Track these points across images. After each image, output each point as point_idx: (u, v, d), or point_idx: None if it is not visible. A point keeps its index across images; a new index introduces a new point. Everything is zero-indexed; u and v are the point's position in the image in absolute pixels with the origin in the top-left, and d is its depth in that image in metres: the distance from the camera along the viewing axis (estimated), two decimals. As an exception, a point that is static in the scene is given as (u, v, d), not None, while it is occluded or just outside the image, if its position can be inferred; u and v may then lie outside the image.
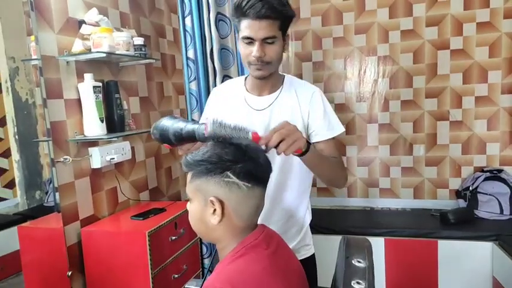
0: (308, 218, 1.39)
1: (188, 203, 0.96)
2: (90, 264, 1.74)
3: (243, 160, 0.86)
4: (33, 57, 1.67)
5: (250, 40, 1.13)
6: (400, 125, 2.88)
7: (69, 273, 1.67)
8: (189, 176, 0.92)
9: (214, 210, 0.86)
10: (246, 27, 1.12)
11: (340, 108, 2.97)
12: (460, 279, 2.42)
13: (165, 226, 1.76)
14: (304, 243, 1.38)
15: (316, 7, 2.93)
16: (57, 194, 1.67)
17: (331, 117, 1.27)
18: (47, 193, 1.86)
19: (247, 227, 0.91)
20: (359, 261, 0.96)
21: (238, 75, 1.99)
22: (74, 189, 1.73)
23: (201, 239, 2.13)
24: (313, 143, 1.23)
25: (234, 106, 1.30)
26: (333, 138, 1.26)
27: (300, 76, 3.02)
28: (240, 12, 1.12)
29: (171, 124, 1.05)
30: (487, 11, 2.64)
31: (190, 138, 1.01)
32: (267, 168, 0.91)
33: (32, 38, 1.65)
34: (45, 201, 1.86)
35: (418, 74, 2.81)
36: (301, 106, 1.26)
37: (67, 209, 1.70)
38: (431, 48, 2.76)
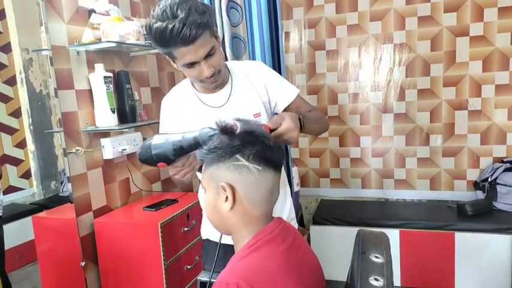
0: (292, 215, 1.39)
1: (202, 192, 0.94)
2: (103, 255, 1.74)
3: (253, 143, 0.84)
4: (44, 47, 1.66)
5: (192, 64, 1.10)
6: (416, 115, 2.80)
7: (83, 263, 1.68)
8: (203, 166, 0.90)
9: (226, 197, 0.84)
10: (183, 54, 1.07)
11: (354, 98, 2.91)
12: (477, 272, 2.37)
13: (177, 217, 1.75)
14: None
15: (330, -7, 2.85)
16: (69, 184, 1.67)
17: (283, 80, 1.35)
18: (62, 183, 1.87)
19: (262, 216, 0.89)
20: (376, 257, 0.92)
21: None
22: (86, 180, 1.73)
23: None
24: (287, 106, 1.29)
25: (190, 109, 1.27)
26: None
27: (314, 65, 2.96)
28: (168, 43, 1.05)
29: (164, 140, 1.02)
30: (509, -4, 2.53)
31: (191, 147, 0.99)
32: (279, 152, 0.89)
33: (43, 28, 1.64)
34: (61, 191, 1.87)
35: (435, 62, 2.72)
36: (255, 86, 1.27)
37: (80, 199, 1.70)
38: (449, 35, 2.67)
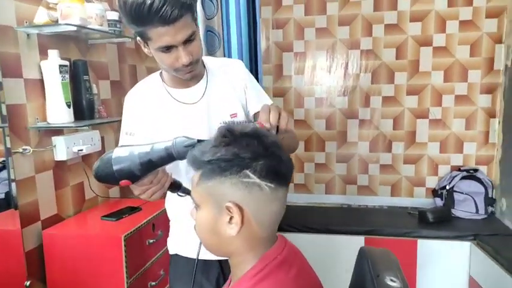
0: None
1: (193, 210, 0.78)
2: (52, 272, 1.50)
3: (264, 156, 0.70)
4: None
5: (169, 48, 0.98)
6: (380, 122, 2.82)
7: (28, 282, 1.42)
8: (195, 176, 0.75)
9: (231, 218, 0.70)
10: (160, 35, 0.95)
11: (320, 102, 2.87)
12: (437, 279, 2.41)
13: (142, 228, 1.56)
14: None
15: (300, -5, 2.79)
16: (13, 187, 1.41)
17: (260, 87, 1.28)
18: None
19: (268, 237, 0.76)
20: (392, 280, 0.84)
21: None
22: (34, 185, 1.49)
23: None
24: (258, 111, 1.16)
25: (159, 106, 1.13)
26: None
27: (281, 67, 2.88)
28: (145, 20, 0.92)
29: (128, 153, 0.87)
30: (469, 9, 2.62)
31: (162, 160, 0.86)
32: (290, 165, 0.77)
33: (-17, 3, 1.37)
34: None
35: (400, 70, 2.76)
36: (233, 84, 1.18)
37: (26, 208, 1.45)
38: (414, 44, 2.72)
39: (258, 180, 0.69)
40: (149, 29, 0.94)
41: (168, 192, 1.02)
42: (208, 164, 0.71)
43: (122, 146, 0.95)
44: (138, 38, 1.02)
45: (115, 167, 0.87)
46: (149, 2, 0.89)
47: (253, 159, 0.69)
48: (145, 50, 1.04)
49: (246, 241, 0.73)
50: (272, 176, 0.71)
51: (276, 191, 0.72)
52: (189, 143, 0.85)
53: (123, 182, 0.89)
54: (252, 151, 0.70)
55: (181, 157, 0.86)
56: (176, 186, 0.99)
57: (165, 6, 0.90)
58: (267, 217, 0.73)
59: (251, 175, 0.69)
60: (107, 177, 0.89)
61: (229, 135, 0.72)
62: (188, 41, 0.98)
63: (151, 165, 0.88)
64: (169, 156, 0.87)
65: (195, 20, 1.01)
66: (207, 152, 0.72)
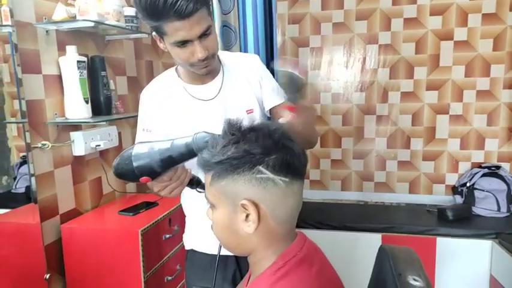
0: None
1: (208, 210, 0.77)
2: (71, 265, 1.52)
3: (276, 150, 0.69)
4: (4, 23, 1.41)
5: (185, 42, 0.97)
6: (398, 118, 2.77)
7: (47, 275, 1.45)
8: (207, 177, 0.73)
9: (247, 215, 0.69)
10: (176, 30, 0.94)
11: (337, 98, 2.83)
12: (457, 278, 2.36)
13: (158, 223, 1.57)
14: None
15: (316, -11, 2.75)
16: (33, 182, 1.43)
17: (276, 83, 1.24)
18: (15, 179, 1.64)
19: (286, 233, 0.75)
20: (415, 280, 0.81)
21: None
22: (53, 180, 1.51)
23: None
24: (274, 106, 1.19)
25: (175, 102, 1.12)
26: None
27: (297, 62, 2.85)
28: (160, 14, 0.92)
29: (148, 149, 0.86)
30: (493, 2, 2.54)
31: (182, 156, 0.85)
32: (304, 158, 0.74)
33: (3, 0, 1.39)
34: (13, 187, 1.63)
35: (419, 65, 2.70)
36: (249, 80, 1.17)
37: (45, 202, 1.47)
38: (434, 39, 2.65)
39: (271, 175, 0.68)
40: (164, 24, 0.93)
41: (185, 188, 1.01)
42: (219, 165, 0.70)
43: (141, 142, 0.94)
44: (153, 33, 1.02)
45: (135, 164, 0.87)
46: None
47: (265, 155, 0.68)
48: (161, 45, 1.04)
49: (264, 238, 0.72)
50: (286, 169, 0.69)
51: (291, 185, 0.70)
52: (209, 137, 0.84)
53: (143, 179, 0.89)
54: (263, 146, 0.68)
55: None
56: (195, 182, 0.98)
57: (180, 0, 0.89)
58: (283, 212, 0.72)
59: (264, 170, 0.68)
60: (127, 173, 0.89)
61: (237, 132, 0.70)
62: (204, 35, 0.97)
63: (171, 161, 0.87)
64: (190, 152, 0.86)
65: (210, 14, 1.00)
66: (217, 153, 0.70)
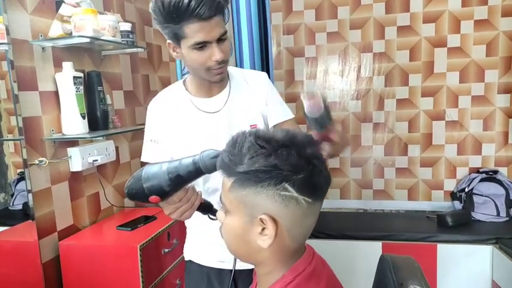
0: None
1: (221, 212, 0.76)
2: (69, 283, 1.50)
3: (306, 169, 0.67)
4: (0, 41, 1.42)
5: (203, 44, 1.00)
6: (395, 125, 2.78)
7: (45, 294, 1.44)
8: (227, 181, 0.71)
9: (263, 229, 0.68)
10: (196, 31, 0.98)
11: (334, 107, 2.84)
12: (459, 284, 2.35)
13: (157, 237, 1.56)
14: None
15: (310, 0, 2.77)
16: (30, 199, 1.42)
17: (283, 101, 1.27)
18: (12, 195, 1.63)
19: (298, 249, 0.74)
20: (417, 289, 0.81)
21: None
22: (50, 196, 1.50)
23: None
24: (279, 123, 1.20)
25: (182, 115, 1.14)
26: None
27: (292, 72, 2.87)
28: (182, 16, 0.96)
29: (157, 169, 0.87)
30: (485, 9, 2.58)
31: (190, 175, 0.85)
32: (330, 179, 0.73)
33: (0, 19, 1.40)
34: (11, 204, 1.62)
35: (414, 72, 2.72)
36: (255, 96, 1.19)
37: (43, 219, 1.46)
38: (428, 46, 2.68)
39: (295, 194, 0.66)
40: (186, 25, 0.97)
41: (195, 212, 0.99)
42: (244, 174, 0.67)
43: (148, 164, 0.94)
44: (168, 41, 1.05)
45: (145, 184, 0.87)
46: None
47: (293, 172, 0.65)
48: (174, 54, 1.07)
49: (275, 252, 0.71)
50: (311, 190, 0.67)
51: (313, 206, 0.69)
52: (215, 154, 0.83)
53: (153, 198, 0.88)
54: (293, 164, 0.66)
55: (209, 170, 0.83)
56: (206, 207, 0.97)
57: (202, 3, 0.94)
58: (300, 231, 0.71)
59: (290, 188, 0.65)
60: (138, 194, 0.88)
61: (267, 145, 0.67)
62: (220, 40, 1.01)
63: (180, 180, 0.86)
64: (197, 170, 0.85)
65: (224, 22, 1.04)
66: (243, 163, 0.67)
